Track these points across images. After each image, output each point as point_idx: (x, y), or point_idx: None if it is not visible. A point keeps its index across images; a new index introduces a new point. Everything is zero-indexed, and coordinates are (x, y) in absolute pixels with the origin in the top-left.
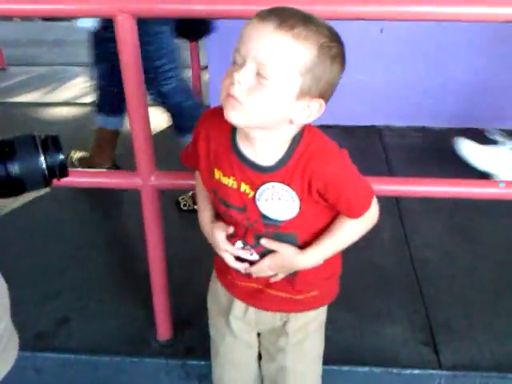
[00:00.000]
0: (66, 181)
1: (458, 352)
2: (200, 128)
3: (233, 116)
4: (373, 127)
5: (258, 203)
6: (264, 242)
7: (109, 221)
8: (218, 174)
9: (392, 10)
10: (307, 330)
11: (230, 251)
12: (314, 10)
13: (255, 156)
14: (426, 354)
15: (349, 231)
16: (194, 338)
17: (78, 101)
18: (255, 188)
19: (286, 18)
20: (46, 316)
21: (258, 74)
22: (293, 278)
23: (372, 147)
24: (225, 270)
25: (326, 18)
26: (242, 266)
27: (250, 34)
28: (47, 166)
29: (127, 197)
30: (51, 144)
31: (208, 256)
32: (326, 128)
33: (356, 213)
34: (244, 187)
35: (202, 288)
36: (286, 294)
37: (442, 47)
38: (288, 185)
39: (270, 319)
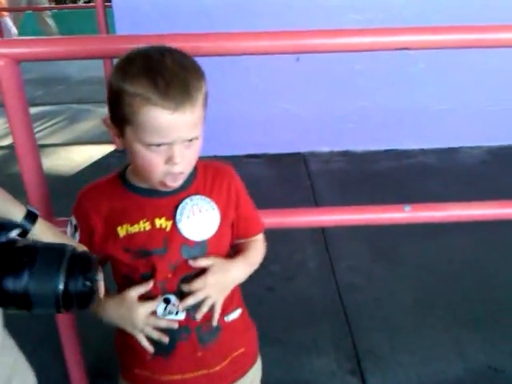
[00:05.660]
0: None
1: (385, 378)
2: (84, 214)
3: (178, 184)
4: (298, 154)
5: (180, 225)
6: (192, 262)
7: None
8: (122, 231)
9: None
10: None
11: (155, 323)
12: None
13: None
14: None
15: (258, 245)
16: None
17: None
18: (172, 214)
19: (174, 96)
20: None
21: (186, 143)
22: (217, 337)
23: (297, 174)
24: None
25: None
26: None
27: (162, 124)
28: (64, 291)
29: None
30: (81, 265)
31: None
32: (253, 157)
33: (258, 228)
34: (159, 222)
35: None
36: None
37: (358, 73)
38: (204, 194)
39: None
